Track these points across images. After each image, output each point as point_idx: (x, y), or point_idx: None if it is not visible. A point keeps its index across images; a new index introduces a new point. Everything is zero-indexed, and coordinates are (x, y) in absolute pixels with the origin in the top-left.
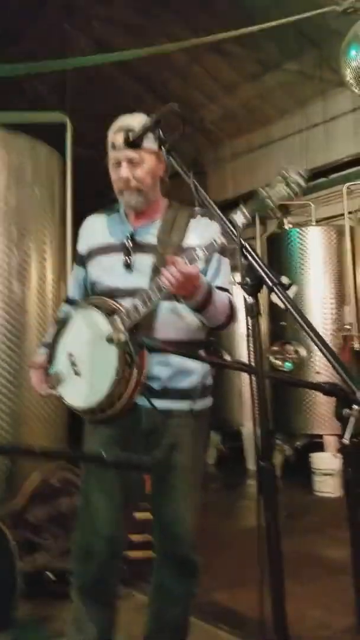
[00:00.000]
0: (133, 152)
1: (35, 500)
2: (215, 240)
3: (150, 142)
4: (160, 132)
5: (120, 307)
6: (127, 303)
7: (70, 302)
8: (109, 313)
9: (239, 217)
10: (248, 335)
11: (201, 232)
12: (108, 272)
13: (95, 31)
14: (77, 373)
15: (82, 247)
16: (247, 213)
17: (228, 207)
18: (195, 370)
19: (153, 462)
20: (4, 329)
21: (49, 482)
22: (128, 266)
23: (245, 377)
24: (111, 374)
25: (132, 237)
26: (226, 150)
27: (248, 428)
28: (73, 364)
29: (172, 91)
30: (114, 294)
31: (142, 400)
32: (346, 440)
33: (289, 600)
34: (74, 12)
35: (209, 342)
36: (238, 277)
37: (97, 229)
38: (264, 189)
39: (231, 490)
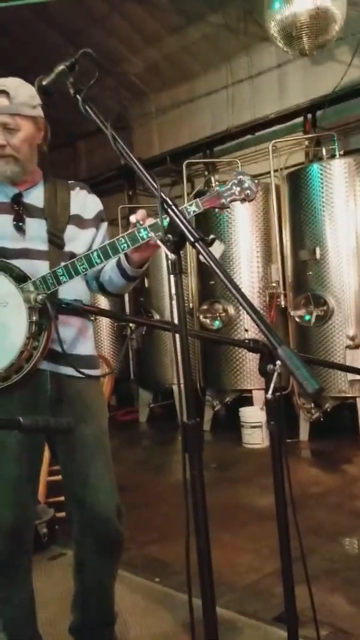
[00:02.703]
0: (8, 118)
1: None
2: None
3: (27, 108)
4: (75, 79)
5: (27, 274)
6: (20, 265)
7: None
8: (18, 278)
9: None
10: (171, 293)
11: (82, 203)
12: None
13: None
14: None
15: None
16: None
17: (155, 164)
18: (91, 337)
19: (72, 424)
20: None
21: None
22: (20, 229)
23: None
24: (22, 333)
25: (18, 199)
26: (151, 105)
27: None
28: None
29: (93, 41)
30: (3, 254)
31: (47, 366)
32: (269, 394)
33: (220, 548)
34: None
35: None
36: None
37: None
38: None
39: (162, 447)
